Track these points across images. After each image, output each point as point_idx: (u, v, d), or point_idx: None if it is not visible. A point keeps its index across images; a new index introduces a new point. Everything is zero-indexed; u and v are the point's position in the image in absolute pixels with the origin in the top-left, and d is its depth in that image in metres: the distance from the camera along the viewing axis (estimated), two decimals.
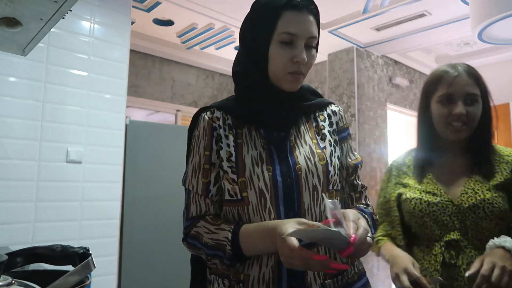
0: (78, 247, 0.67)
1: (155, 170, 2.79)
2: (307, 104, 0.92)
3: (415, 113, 1.23)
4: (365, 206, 0.93)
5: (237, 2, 3.00)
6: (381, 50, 4.11)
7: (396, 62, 4.47)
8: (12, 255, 0.66)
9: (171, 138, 2.92)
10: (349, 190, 0.94)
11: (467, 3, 2.99)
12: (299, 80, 0.86)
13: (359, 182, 0.96)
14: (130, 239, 2.60)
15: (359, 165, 0.96)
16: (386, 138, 4.22)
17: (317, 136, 0.90)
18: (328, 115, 0.95)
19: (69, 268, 0.61)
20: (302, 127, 0.91)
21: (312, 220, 0.79)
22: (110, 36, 2.34)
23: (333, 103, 0.98)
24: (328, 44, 3.86)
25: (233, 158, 0.84)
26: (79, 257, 0.65)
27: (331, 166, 0.86)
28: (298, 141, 0.87)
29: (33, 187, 2.01)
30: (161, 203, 2.75)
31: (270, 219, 0.79)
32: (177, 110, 4.37)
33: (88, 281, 0.61)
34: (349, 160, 0.94)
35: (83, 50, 2.23)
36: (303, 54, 0.82)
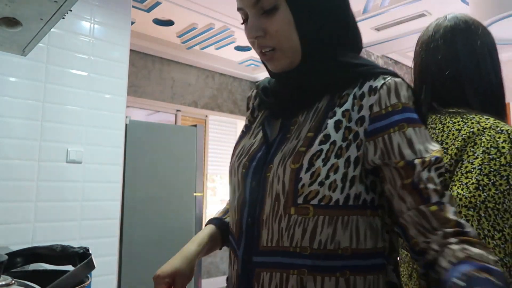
0: (78, 247, 0.67)
1: (155, 170, 2.79)
2: (315, 83, 0.67)
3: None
4: (468, 244, 0.52)
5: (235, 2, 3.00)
6: (381, 50, 4.11)
7: (396, 62, 4.47)
8: (12, 255, 0.66)
9: (171, 138, 2.92)
10: (414, 198, 0.57)
11: (467, 3, 2.99)
12: (273, 57, 0.66)
13: (438, 188, 0.57)
14: (130, 239, 2.60)
15: (430, 162, 0.57)
16: None
17: (320, 128, 0.63)
18: (357, 96, 0.63)
19: (69, 268, 0.61)
20: (312, 113, 0.67)
21: (271, 239, 0.62)
22: (110, 36, 2.34)
23: (384, 74, 0.63)
24: None
25: (235, 145, 0.79)
26: (79, 257, 0.65)
27: (306, 172, 0.60)
28: (295, 133, 0.66)
29: (33, 187, 2.01)
30: (161, 203, 2.76)
31: (235, 219, 0.70)
32: (177, 110, 4.37)
33: (88, 281, 0.61)
34: (393, 157, 0.59)
35: (83, 50, 2.23)
36: (251, 30, 0.65)
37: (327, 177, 0.60)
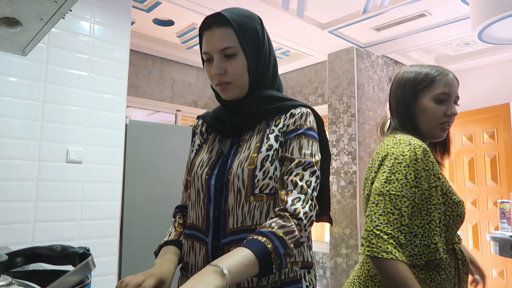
0: (78, 247, 0.67)
1: (155, 170, 2.79)
2: (258, 110, 0.94)
3: None
4: (277, 216, 0.81)
5: (237, 2, 3.00)
6: (381, 50, 4.11)
7: (396, 62, 4.47)
8: (12, 255, 0.66)
9: (171, 138, 2.92)
10: (279, 187, 0.87)
11: (467, 3, 2.99)
12: (227, 89, 0.92)
13: (295, 179, 0.84)
14: (130, 239, 2.60)
15: (304, 162, 0.86)
16: None
17: (263, 140, 0.91)
18: (285, 118, 0.93)
19: (69, 268, 0.60)
20: (256, 132, 0.94)
21: (236, 222, 0.86)
22: (110, 36, 2.34)
23: (301, 106, 0.94)
24: (328, 44, 3.86)
25: (191, 160, 1.02)
26: (79, 257, 0.65)
27: (259, 171, 0.86)
28: (245, 146, 0.93)
29: (33, 187, 2.01)
30: (161, 203, 2.75)
31: (201, 215, 0.93)
32: (177, 110, 4.37)
33: (88, 281, 0.62)
34: (287, 154, 0.88)
35: (83, 50, 2.23)
36: (216, 68, 0.90)
37: (273, 173, 0.88)
